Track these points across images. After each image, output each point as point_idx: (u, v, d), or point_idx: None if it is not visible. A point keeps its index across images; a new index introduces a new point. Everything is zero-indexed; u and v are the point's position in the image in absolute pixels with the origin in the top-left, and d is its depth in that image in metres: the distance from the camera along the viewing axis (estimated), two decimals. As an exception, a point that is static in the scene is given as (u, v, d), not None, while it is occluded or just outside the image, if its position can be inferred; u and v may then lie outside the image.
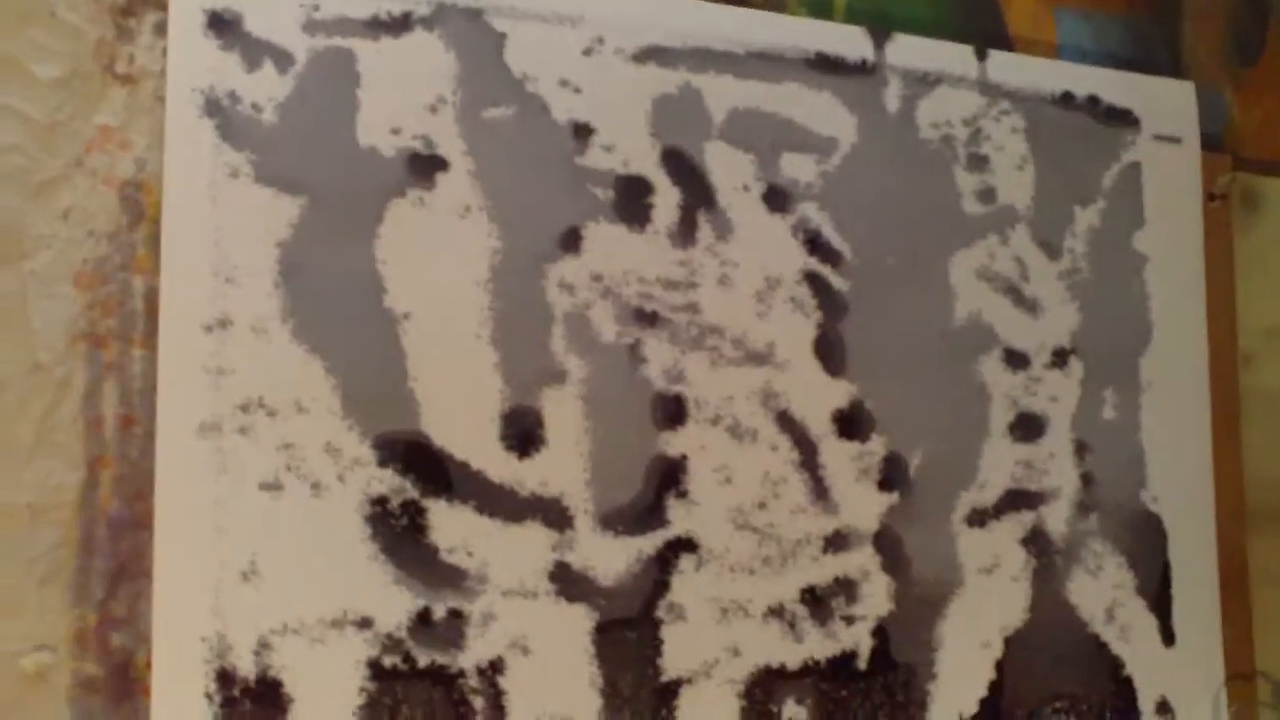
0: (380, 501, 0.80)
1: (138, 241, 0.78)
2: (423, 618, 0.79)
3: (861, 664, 0.86)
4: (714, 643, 0.84)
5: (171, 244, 0.77)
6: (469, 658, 0.80)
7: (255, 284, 0.78)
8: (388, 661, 0.79)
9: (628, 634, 0.83)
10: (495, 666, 0.81)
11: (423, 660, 0.80)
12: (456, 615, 0.80)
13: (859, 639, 0.86)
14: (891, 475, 0.87)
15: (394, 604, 0.79)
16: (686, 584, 0.82)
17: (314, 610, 0.78)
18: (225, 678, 0.77)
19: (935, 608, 0.88)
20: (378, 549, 0.80)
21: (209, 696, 0.77)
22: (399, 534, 0.80)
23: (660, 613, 0.83)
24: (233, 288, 0.78)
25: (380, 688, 0.79)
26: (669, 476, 0.84)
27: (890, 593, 0.87)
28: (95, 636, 0.76)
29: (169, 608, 0.76)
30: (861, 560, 0.87)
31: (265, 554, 0.78)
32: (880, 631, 0.87)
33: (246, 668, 0.77)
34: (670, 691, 0.83)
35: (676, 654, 0.83)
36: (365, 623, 0.78)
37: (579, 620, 0.82)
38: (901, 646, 0.87)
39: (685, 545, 0.80)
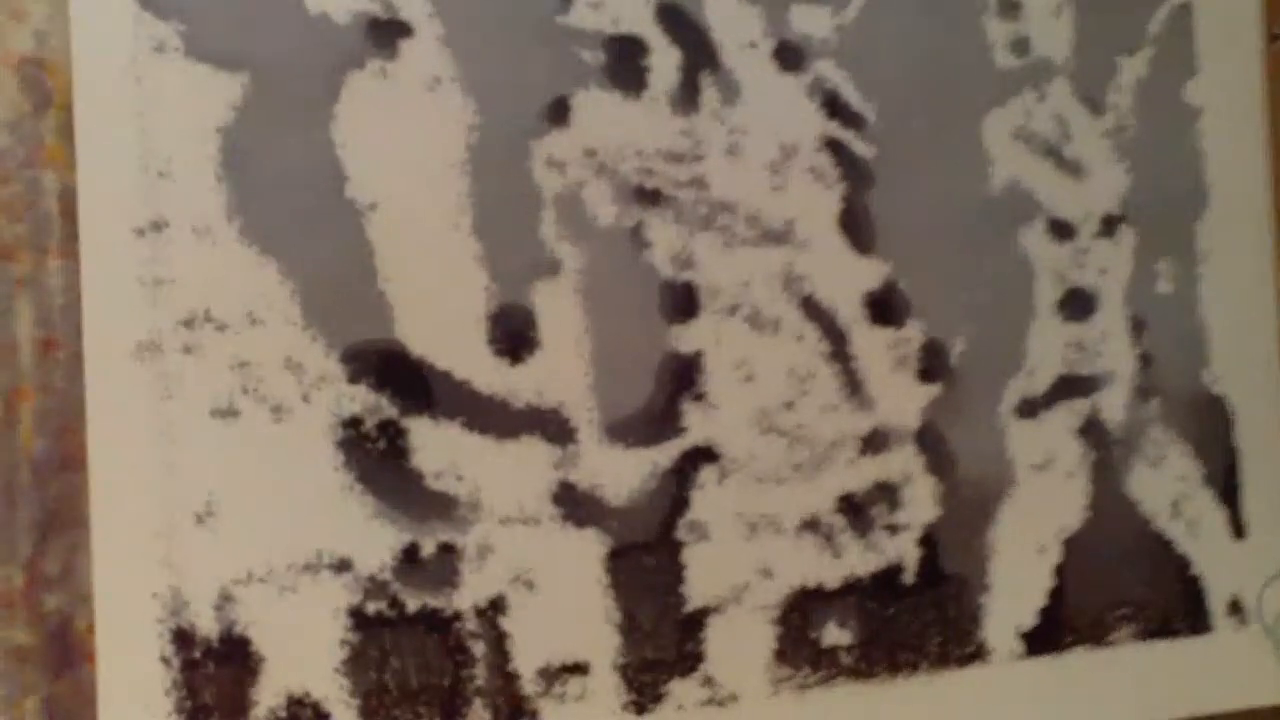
0: (353, 423, 0.72)
1: (45, 131, 0.69)
2: (409, 555, 0.73)
3: (908, 578, 0.80)
4: (743, 564, 0.78)
5: (88, 133, 0.68)
6: (465, 598, 0.74)
7: (193, 178, 0.70)
8: (371, 608, 0.72)
9: (645, 560, 0.76)
10: (496, 606, 0.74)
11: (412, 604, 0.73)
12: (448, 550, 0.73)
13: (904, 550, 0.80)
14: (931, 364, 0.80)
15: (375, 541, 0.72)
16: (708, 499, 0.76)
17: (282, 554, 0.72)
18: (183, 638, 0.70)
19: (985, 511, 0.81)
20: (353, 479, 0.72)
21: (165, 660, 0.70)
22: (377, 460, 0.72)
23: (680, 533, 0.76)
24: (166, 183, 0.70)
25: (364, 639, 0.72)
26: (682, 377, 0.77)
27: (936, 496, 0.80)
28: (24, 599, 0.69)
29: (111, 561, 0.69)
30: (902, 461, 0.80)
31: (222, 492, 0.70)
32: (927, 540, 0.80)
33: (207, 625, 0.70)
34: (696, 622, 0.77)
35: (701, 579, 0.77)
36: (343, 565, 0.71)
37: (589, 547, 0.75)
38: (951, 556, 0.80)
39: (705, 455, 0.74)
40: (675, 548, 0.77)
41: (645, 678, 0.76)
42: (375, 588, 0.72)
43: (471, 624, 0.74)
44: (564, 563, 0.75)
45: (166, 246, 0.70)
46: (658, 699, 0.76)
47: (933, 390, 0.81)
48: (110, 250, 0.69)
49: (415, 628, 0.73)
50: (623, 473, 0.76)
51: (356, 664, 0.72)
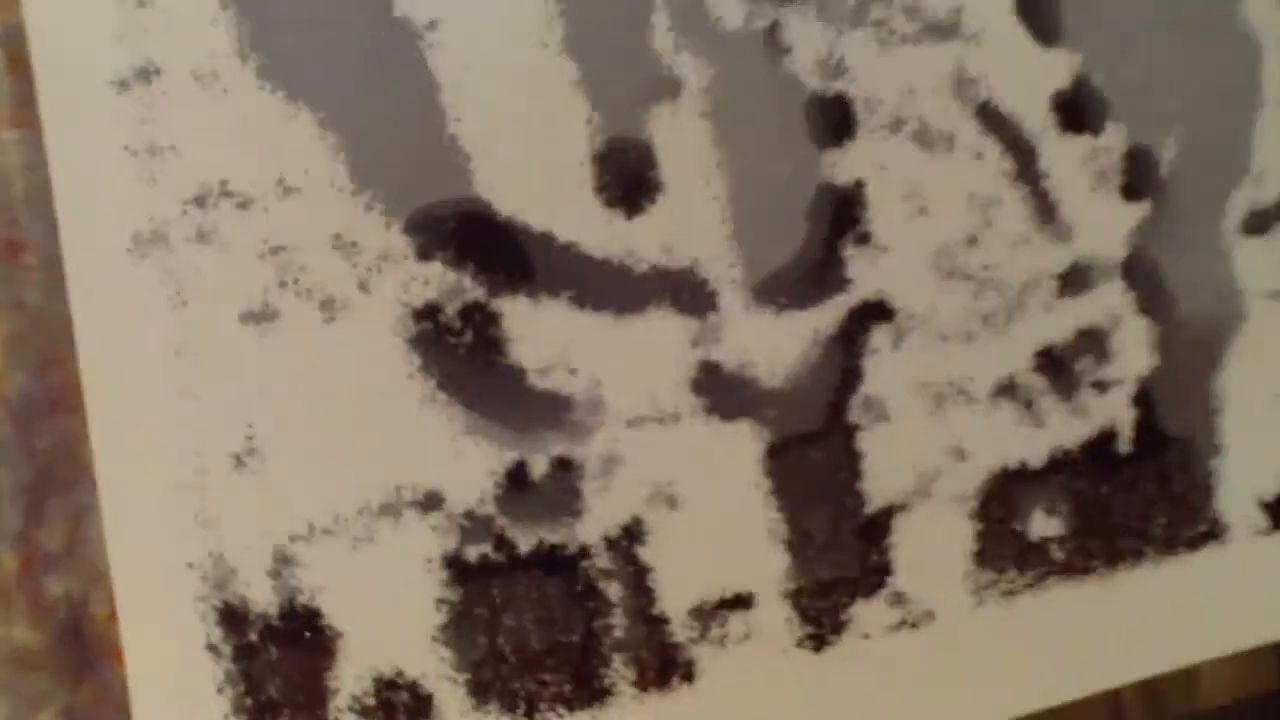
0: (429, 313, 0.58)
1: (-31, -52, 0.52)
2: (515, 479, 0.59)
3: (1123, 446, 0.67)
4: (930, 446, 0.64)
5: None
6: (591, 528, 0.61)
7: (188, 5, 0.54)
8: (473, 553, 0.58)
9: (812, 454, 0.63)
10: (631, 534, 0.60)
11: (524, 543, 0.59)
12: (565, 467, 0.59)
13: (1116, 412, 0.67)
14: (1137, 177, 0.67)
15: (470, 466, 0.59)
16: (883, 368, 0.62)
17: (350, 496, 0.59)
18: (234, 618, 0.57)
19: (1211, 355, 0.68)
20: (434, 386, 0.58)
21: (213, 649, 0.57)
22: (464, 358, 0.58)
23: (853, 415, 0.63)
24: (153, 14, 0.53)
25: (467, 594, 0.59)
26: (842, 214, 0.62)
27: (1151, 342, 0.67)
28: (20, 587, 0.55)
29: (129, 527, 0.56)
30: (1109, 301, 0.66)
31: (265, 422, 0.56)
32: (1143, 398, 0.67)
33: (264, 598, 0.57)
34: (879, 526, 0.64)
35: (882, 471, 0.63)
36: (431, 501, 0.58)
37: (742, 445, 0.62)
38: (1172, 415, 0.67)
39: (876, 312, 0.61)
40: (848, 434, 0.63)
41: (822, 603, 0.63)
42: (475, 526, 0.59)
43: (603, 560, 0.60)
44: (713, 468, 0.61)
45: (160, 101, 0.54)
46: (838, 628, 0.63)
47: (1141, 209, 0.67)
48: (83, 112, 0.54)
49: (531, 573, 0.60)
50: (778, 344, 0.62)
51: (459, 628, 0.59)
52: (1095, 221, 0.66)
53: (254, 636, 0.57)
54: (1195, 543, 0.68)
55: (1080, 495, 0.66)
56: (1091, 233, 0.66)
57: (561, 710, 0.61)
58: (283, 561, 0.57)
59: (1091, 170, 0.66)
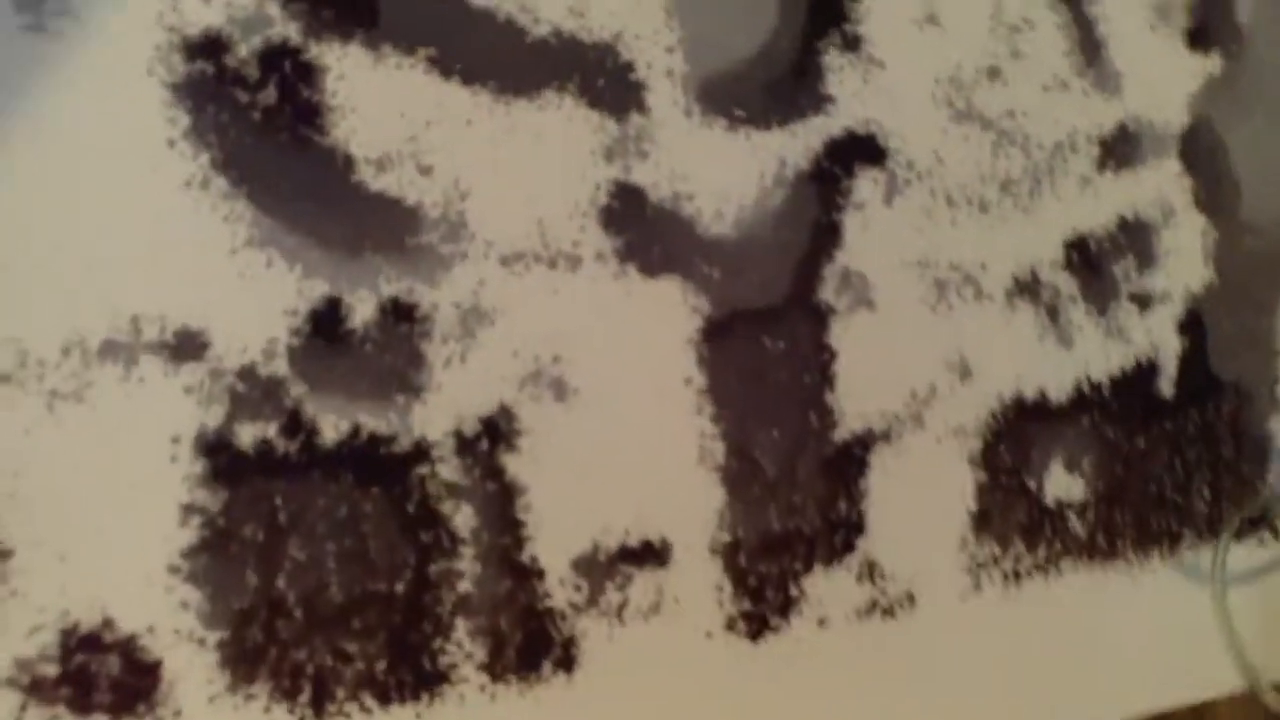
0: (210, 47, 0.40)
1: None
2: (324, 325, 0.42)
3: (1165, 386, 0.53)
4: (926, 352, 0.49)
5: None
6: (436, 415, 0.43)
7: None
8: (247, 435, 0.41)
9: (766, 342, 0.46)
10: (495, 432, 0.43)
11: (330, 428, 0.42)
12: (403, 315, 0.42)
13: (1160, 339, 0.53)
14: (1210, 19, 0.53)
15: (254, 295, 0.42)
16: (871, 231, 0.47)
17: (53, 322, 0.40)
18: None
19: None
20: (206, 163, 0.40)
21: None
22: (259, 126, 0.41)
23: (827, 293, 0.47)
24: None
25: (233, 501, 0.41)
26: (825, 3, 0.47)
27: (1207, 249, 0.53)
28: None
29: None
30: (1160, 185, 0.53)
31: None
32: (1192, 324, 0.53)
33: None
34: (852, 460, 0.48)
35: (861, 379, 0.48)
36: (188, 345, 0.41)
37: (668, 315, 0.45)
38: (1226, 352, 0.53)
39: (864, 149, 0.45)
40: (819, 319, 0.47)
41: (765, 567, 0.46)
42: (255, 393, 0.41)
43: (449, 468, 0.42)
44: (622, 346, 0.44)
45: None
46: (786, 607, 0.47)
47: (1209, 64, 0.53)
48: None
49: (338, 478, 0.42)
50: (727, 173, 0.46)
51: (215, 557, 0.40)
52: (1151, 72, 0.52)
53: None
54: (1244, 529, 0.54)
55: (1109, 448, 0.51)
56: (1145, 88, 0.52)
57: (369, 702, 0.42)
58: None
59: (1152, 2, 0.52)
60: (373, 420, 0.41)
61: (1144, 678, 0.52)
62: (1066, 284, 0.51)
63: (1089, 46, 0.51)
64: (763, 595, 0.46)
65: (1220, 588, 0.51)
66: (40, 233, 0.38)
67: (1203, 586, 0.52)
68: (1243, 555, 0.53)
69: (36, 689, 0.38)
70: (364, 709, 0.42)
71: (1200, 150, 0.53)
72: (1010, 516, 0.50)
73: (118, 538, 0.39)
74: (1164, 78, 0.53)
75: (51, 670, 0.39)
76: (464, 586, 0.42)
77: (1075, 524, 0.51)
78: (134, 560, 0.39)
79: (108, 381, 0.39)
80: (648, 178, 0.44)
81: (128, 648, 0.39)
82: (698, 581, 0.45)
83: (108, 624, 0.39)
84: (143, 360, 0.39)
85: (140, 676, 0.39)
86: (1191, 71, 0.53)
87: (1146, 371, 0.53)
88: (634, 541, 0.44)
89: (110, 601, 0.39)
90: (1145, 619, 0.52)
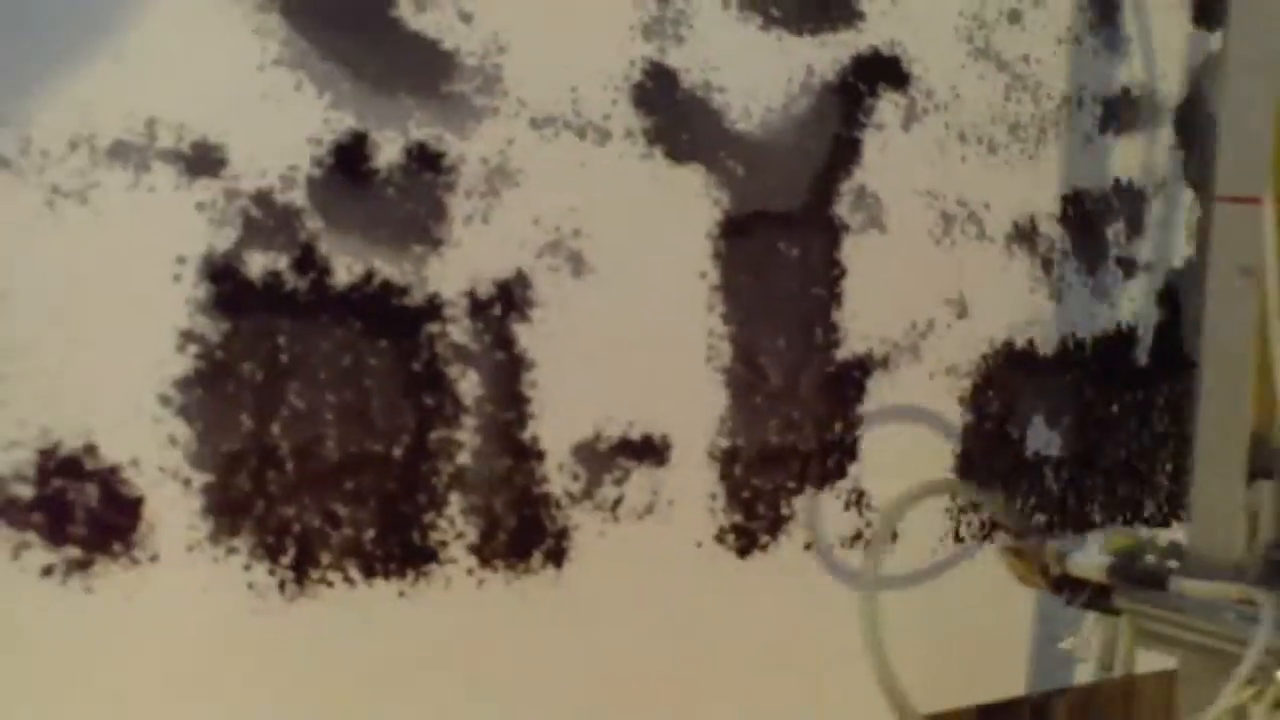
0: None
1: None
2: (348, 159, 0.41)
3: (1142, 355, 0.56)
4: (929, 285, 0.51)
5: None
6: (452, 272, 0.43)
7: None
8: (257, 264, 0.40)
9: (782, 247, 0.47)
10: (509, 298, 0.43)
11: (344, 269, 0.41)
12: (429, 163, 0.42)
13: (1142, 307, 0.56)
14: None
15: (278, 115, 0.42)
16: (888, 154, 0.51)
17: (64, 115, 0.38)
18: None
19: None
20: None
21: None
22: None
23: (843, 209, 0.48)
24: None
25: (235, 334, 0.40)
26: (868, -86, 0.49)
27: (1192, 224, 0.57)
28: None
29: None
30: (1155, 152, 0.56)
31: None
32: (1169, 298, 0.56)
33: None
34: (850, 382, 0.49)
35: (867, 300, 0.49)
36: (205, 157, 0.42)
37: (690, 204, 0.45)
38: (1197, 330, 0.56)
39: (889, 70, 0.47)
40: (833, 234, 0.48)
41: (760, 481, 0.47)
42: (270, 219, 0.40)
43: (460, 330, 0.42)
44: (643, 226, 0.45)
45: None
46: (776, 526, 0.47)
47: (1212, 40, 0.57)
48: None
49: (347, 323, 0.41)
50: (757, 72, 0.47)
51: (210, 391, 0.39)
52: (1156, 41, 0.55)
53: None
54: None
55: (1085, 408, 0.54)
56: (1149, 55, 0.55)
57: (353, 572, 0.41)
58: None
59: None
60: (388, 267, 0.41)
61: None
62: (1061, 238, 0.53)
63: (1104, 5, 0.54)
64: (754, 510, 0.47)
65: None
66: (62, 15, 0.37)
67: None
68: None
69: (8, 510, 0.36)
70: (347, 579, 0.41)
71: (1193, 123, 0.56)
72: (992, 463, 0.52)
73: (109, 356, 0.37)
74: (1167, 48, 0.56)
75: (26, 492, 0.37)
76: (462, 459, 0.42)
77: (1050, 480, 0.53)
78: (124, 383, 0.37)
79: (115, 185, 0.37)
80: (681, 62, 0.45)
81: (109, 479, 0.37)
82: (693, 487, 0.46)
83: (90, 450, 0.37)
84: (155, 168, 0.38)
85: (119, 513, 0.38)
86: (1194, 46, 0.57)
87: (1127, 337, 0.55)
88: (635, 434, 0.44)
89: (95, 426, 0.37)
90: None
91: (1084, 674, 0.56)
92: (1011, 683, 0.55)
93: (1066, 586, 0.46)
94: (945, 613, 0.52)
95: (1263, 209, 0.43)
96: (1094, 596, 0.46)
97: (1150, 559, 0.46)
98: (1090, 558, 0.46)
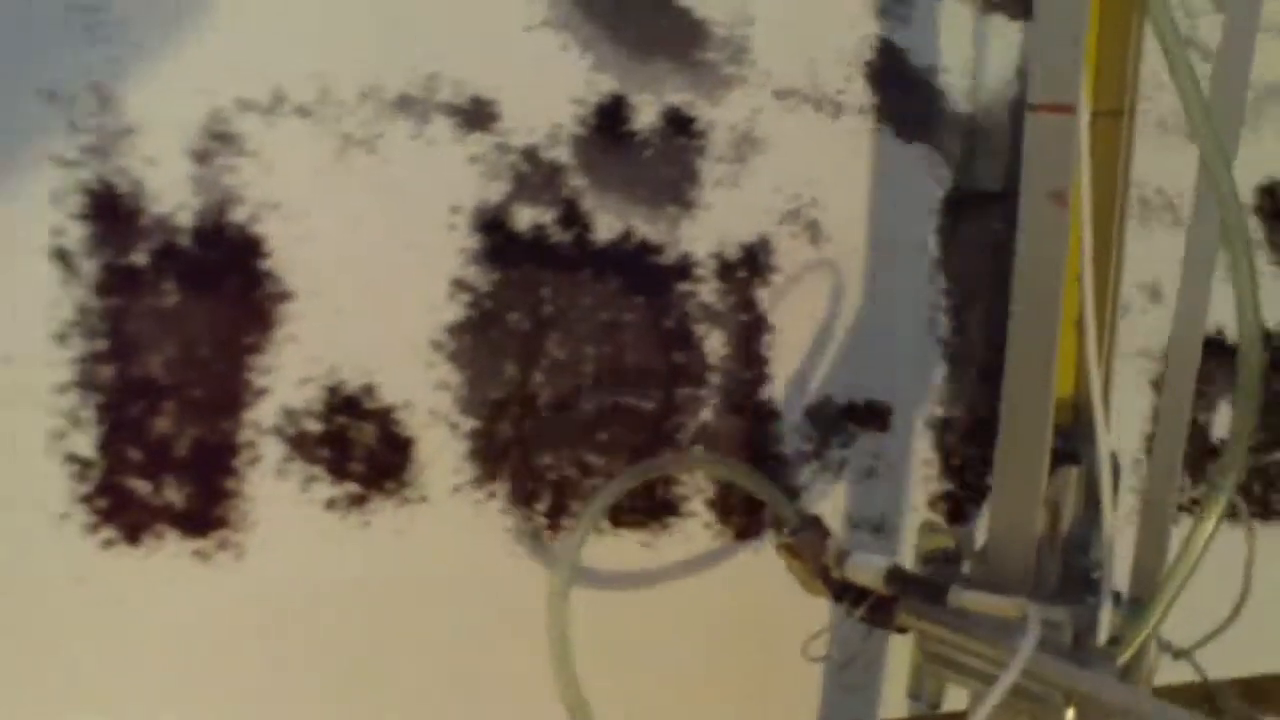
0: None
1: None
2: (609, 120, 0.43)
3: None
4: (1126, 269, 0.51)
5: None
6: (702, 234, 0.44)
7: None
8: (525, 218, 0.42)
9: (996, 227, 0.48)
10: (754, 261, 0.45)
11: (605, 227, 0.43)
12: (682, 127, 0.43)
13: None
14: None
15: (546, 76, 0.44)
16: None
17: (353, 66, 0.40)
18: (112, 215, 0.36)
19: None
20: None
21: (63, 259, 0.35)
22: None
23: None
24: None
25: (503, 284, 0.41)
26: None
27: None
28: None
29: None
30: None
31: None
32: None
33: (173, 194, 0.36)
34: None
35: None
36: (480, 111, 0.44)
37: (917, 182, 0.48)
38: None
39: None
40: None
41: (971, 450, 0.48)
42: (537, 175, 0.42)
43: (709, 290, 0.43)
44: (872, 199, 0.46)
45: None
46: (984, 495, 0.48)
47: None
48: None
49: (605, 279, 0.42)
50: (978, 55, 0.48)
51: (479, 339, 0.41)
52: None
53: (142, 257, 0.36)
54: None
55: (1275, 397, 0.55)
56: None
57: (602, 521, 0.42)
58: (217, 139, 0.36)
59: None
60: (644, 226, 0.42)
61: None
62: (1254, 227, 0.54)
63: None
64: (964, 479, 0.48)
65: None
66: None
67: None
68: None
69: (300, 444, 0.38)
70: (597, 528, 0.42)
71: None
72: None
73: (389, 300, 0.39)
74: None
75: (315, 427, 0.38)
76: (705, 415, 0.43)
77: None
78: (401, 326, 0.39)
79: (398, 135, 0.39)
80: (909, 42, 0.46)
81: (385, 420, 0.39)
82: (911, 452, 0.47)
83: (369, 390, 0.39)
84: (434, 120, 0.39)
85: (394, 452, 0.39)
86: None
87: (1304, 336, 0.56)
88: (861, 400, 0.46)
89: (375, 367, 0.39)
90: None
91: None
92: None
93: (849, 594, 0.39)
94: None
95: (1075, 120, 0.36)
96: (876, 608, 0.39)
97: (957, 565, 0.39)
98: (870, 561, 0.39)
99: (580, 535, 0.39)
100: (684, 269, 0.42)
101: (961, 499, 0.48)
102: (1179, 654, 0.36)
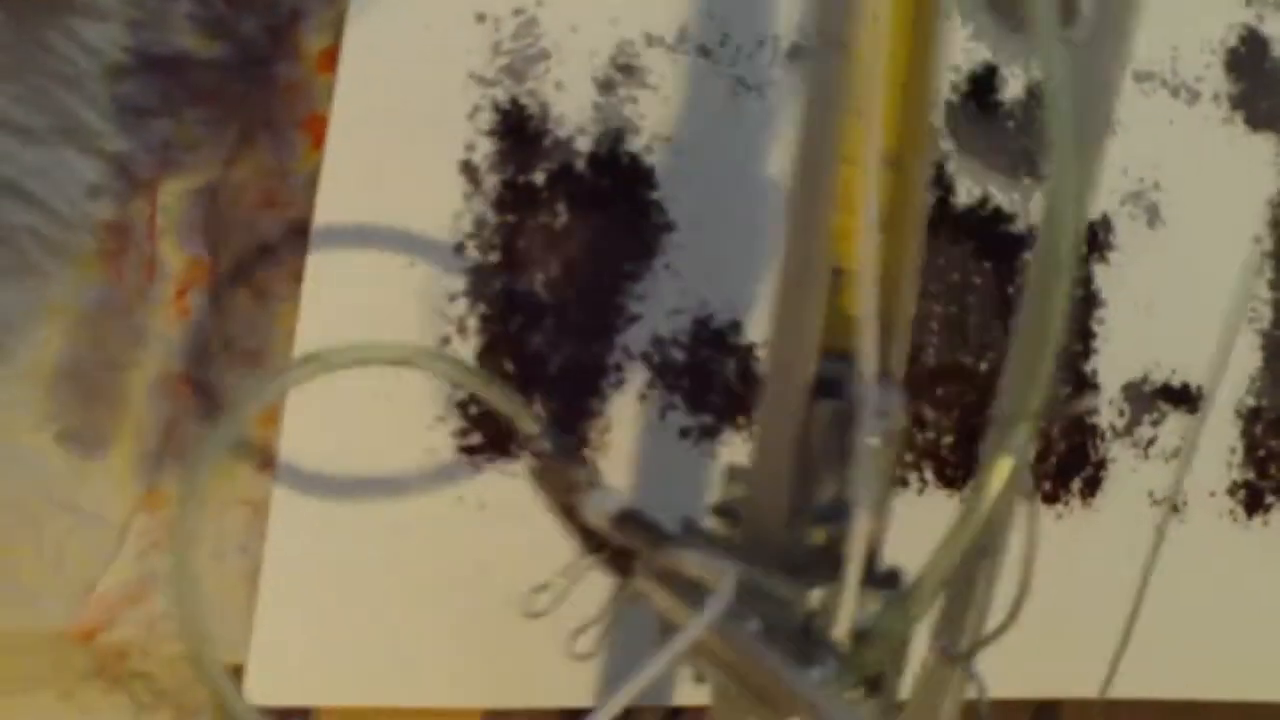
0: None
1: None
2: (981, 89, 0.43)
3: None
4: None
5: None
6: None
7: None
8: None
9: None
10: (1091, 239, 0.44)
11: (964, 192, 0.42)
12: (1041, 100, 0.43)
13: None
14: None
15: None
16: None
17: (758, 18, 0.42)
18: (520, 134, 0.37)
19: None
20: None
21: (470, 172, 0.37)
22: None
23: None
24: None
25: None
26: None
27: None
28: None
29: None
30: None
31: None
32: None
33: (573, 121, 0.37)
34: None
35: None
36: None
37: (1258, 172, 0.47)
38: None
39: None
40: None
41: (1277, 443, 0.48)
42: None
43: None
44: (1212, 187, 0.46)
45: None
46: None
47: None
48: None
49: (958, 243, 0.43)
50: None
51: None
52: None
53: (540, 176, 0.37)
54: None
55: None
56: None
57: (927, 473, 0.43)
58: (622, 70, 0.38)
59: None
60: (1000, 195, 0.43)
61: None
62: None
63: None
64: (1266, 470, 0.48)
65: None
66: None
67: None
68: None
69: (664, 372, 0.39)
70: (921, 478, 0.43)
71: None
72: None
73: (764, 244, 0.40)
74: None
75: (679, 357, 0.40)
76: (1029, 381, 0.44)
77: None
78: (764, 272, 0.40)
79: (787, 84, 0.40)
80: (1276, 30, 0.46)
81: (744, 356, 0.40)
82: (1217, 437, 0.47)
83: (735, 327, 0.40)
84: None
85: (748, 388, 0.41)
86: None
87: None
88: (1176, 382, 0.46)
89: (743, 305, 0.40)
90: None
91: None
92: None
93: (593, 540, 0.32)
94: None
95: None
96: (616, 557, 0.32)
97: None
98: (605, 500, 0.31)
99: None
100: (1031, 239, 0.43)
101: (1261, 490, 0.48)
102: (955, 659, 0.29)
